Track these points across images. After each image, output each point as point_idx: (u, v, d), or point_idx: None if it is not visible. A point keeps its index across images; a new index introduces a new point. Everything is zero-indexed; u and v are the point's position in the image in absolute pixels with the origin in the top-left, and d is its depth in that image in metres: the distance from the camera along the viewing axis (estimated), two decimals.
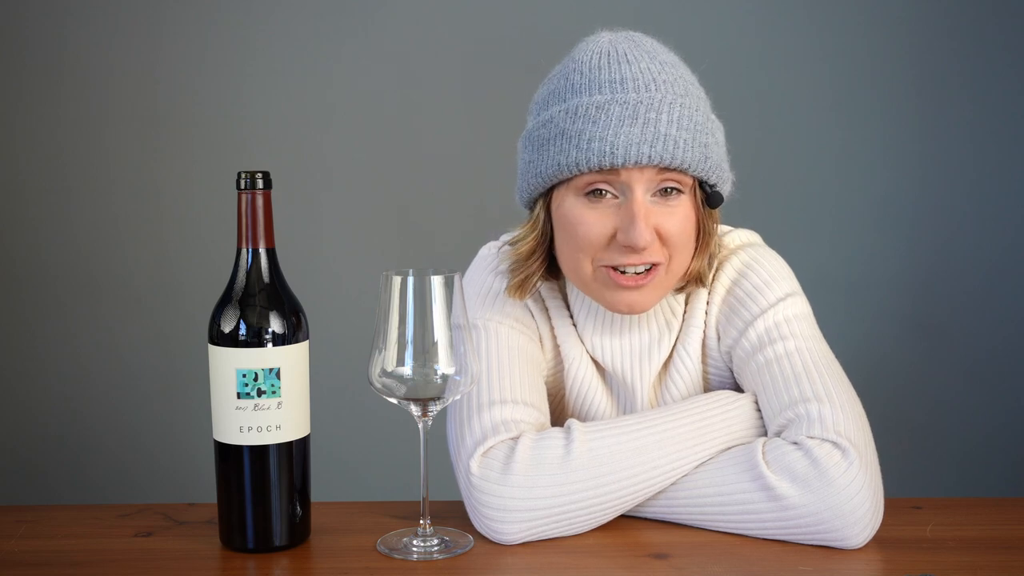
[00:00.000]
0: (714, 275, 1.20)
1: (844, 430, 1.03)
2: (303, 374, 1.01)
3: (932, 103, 2.46)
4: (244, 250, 1.00)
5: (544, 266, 1.19)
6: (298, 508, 1.02)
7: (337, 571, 0.98)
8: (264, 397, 0.98)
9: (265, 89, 2.44)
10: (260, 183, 1.00)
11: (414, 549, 1.01)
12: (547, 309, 1.23)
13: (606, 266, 1.10)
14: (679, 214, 1.10)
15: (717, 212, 1.15)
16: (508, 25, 2.42)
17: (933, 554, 1.00)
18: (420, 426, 1.01)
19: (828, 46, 2.44)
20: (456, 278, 0.98)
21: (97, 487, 2.50)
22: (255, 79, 2.44)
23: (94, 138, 2.45)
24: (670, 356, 1.21)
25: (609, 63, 1.10)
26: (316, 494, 1.07)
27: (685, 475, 1.06)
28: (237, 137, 2.45)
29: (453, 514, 1.10)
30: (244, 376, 0.98)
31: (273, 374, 0.98)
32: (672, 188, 1.09)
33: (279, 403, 0.99)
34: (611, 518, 1.06)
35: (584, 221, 1.10)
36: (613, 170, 1.07)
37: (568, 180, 1.10)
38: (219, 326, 0.99)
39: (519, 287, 1.19)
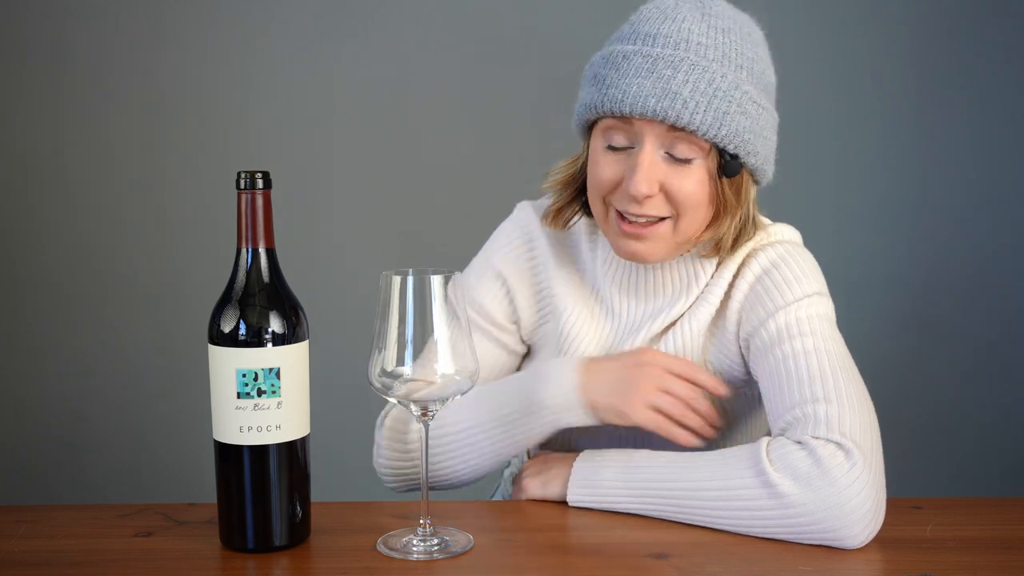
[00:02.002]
0: (745, 261, 1.20)
1: (850, 431, 1.03)
2: (303, 374, 1.01)
3: (932, 103, 2.46)
4: (244, 250, 1.00)
5: (580, 199, 1.24)
6: (298, 508, 1.02)
7: (337, 571, 0.98)
8: (264, 397, 0.98)
9: (266, 89, 2.44)
10: (260, 183, 1.00)
11: (414, 549, 1.01)
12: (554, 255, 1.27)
13: (616, 210, 1.14)
14: (690, 177, 1.11)
15: (746, 184, 1.14)
16: (508, 25, 2.42)
17: (933, 554, 1.00)
18: (420, 426, 1.01)
19: (828, 46, 2.44)
20: (456, 278, 0.98)
21: (97, 487, 2.50)
22: (256, 79, 2.44)
23: (96, 138, 2.45)
24: (674, 322, 1.22)
25: (655, 17, 1.13)
26: (316, 494, 1.06)
27: (687, 473, 1.06)
28: (238, 137, 2.45)
29: (453, 514, 1.10)
30: (244, 376, 0.98)
31: (273, 374, 0.98)
32: (678, 153, 1.11)
33: (279, 403, 0.99)
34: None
35: (600, 163, 1.14)
36: (628, 119, 1.10)
37: (597, 121, 1.14)
38: (219, 326, 0.99)
39: (554, 216, 1.24)
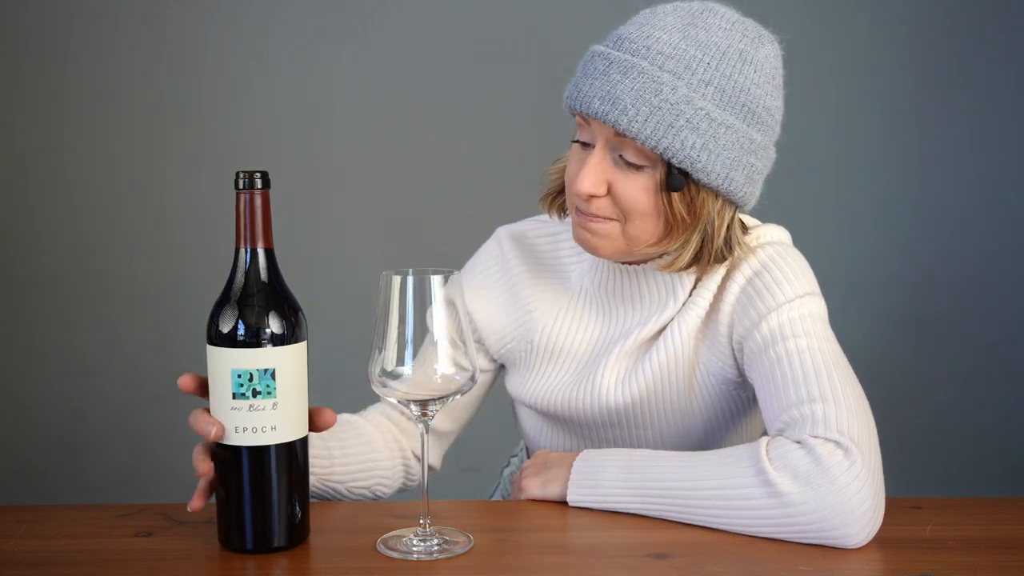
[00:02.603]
0: (735, 264, 1.20)
1: (848, 430, 1.03)
2: (300, 375, 1.01)
3: (932, 103, 2.46)
4: (242, 250, 1.00)
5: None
6: (297, 509, 1.02)
7: (337, 571, 0.98)
8: (259, 398, 0.98)
9: (266, 89, 2.44)
10: (259, 183, 0.99)
11: (414, 549, 1.01)
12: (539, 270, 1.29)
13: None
14: (636, 183, 1.12)
15: (705, 203, 1.12)
16: (508, 25, 2.42)
17: (933, 554, 1.00)
18: (420, 426, 1.01)
19: (828, 46, 2.44)
20: (456, 277, 0.98)
21: (97, 487, 2.50)
22: (256, 79, 2.44)
23: (96, 138, 2.45)
24: (664, 327, 1.22)
25: (637, 21, 1.14)
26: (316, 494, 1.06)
27: (687, 472, 1.06)
28: (238, 137, 2.45)
29: (453, 514, 1.10)
30: (239, 376, 0.98)
31: (268, 375, 0.98)
32: (628, 158, 1.11)
33: (274, 404, 0.99)
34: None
35: (570, 156, 1.18)
36: (586, 118, 1.12)
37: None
38: (217, 326, 0.99)
39: (547, 202, 1.26)
